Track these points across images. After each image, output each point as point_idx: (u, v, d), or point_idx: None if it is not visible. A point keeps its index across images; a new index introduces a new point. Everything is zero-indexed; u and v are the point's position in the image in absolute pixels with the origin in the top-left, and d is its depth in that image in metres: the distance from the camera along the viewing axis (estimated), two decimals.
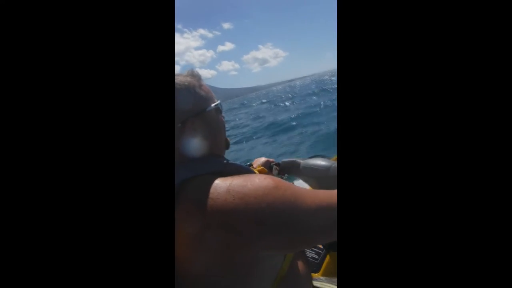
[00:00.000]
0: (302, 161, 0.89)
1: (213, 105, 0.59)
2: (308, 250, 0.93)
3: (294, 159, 0.92)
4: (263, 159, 0.99)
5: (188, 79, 0.57)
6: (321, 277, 0.80)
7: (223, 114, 0.63)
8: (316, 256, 0.91)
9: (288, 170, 0.92)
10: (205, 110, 0.57)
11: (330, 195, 0.45)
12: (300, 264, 0.57)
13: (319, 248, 0.94)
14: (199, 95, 0.57)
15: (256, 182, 0.45)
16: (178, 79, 0.56)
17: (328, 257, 0.92)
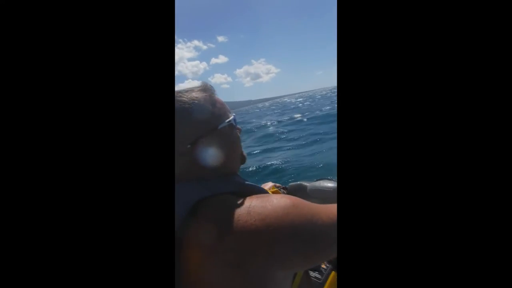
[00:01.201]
0: (309, 184, 0.89)
1: (226, 121, 0.56)
2: (311, 270, 0.93)
3: (300, 183, 0.92)
4: (270, 184, 1.00)
5: (200, 94, 0.55)
6: None
7: (238, 126, 0.60)
8: (319, 276, 0.89)
9: (295, 194, 0.91)
10: (216, 128, 0.54)
11: None
12: (305, 286, 0.58)
13: (323, 268, 0.93)
14: (210, 111, 0.54)
15: (274, 203, 0.45)
16: (187, 96, 0.53)
17: (331, 276, 0.91)
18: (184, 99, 0.53)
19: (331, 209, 0.48)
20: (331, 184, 0.81)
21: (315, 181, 0.90)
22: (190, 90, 0.56)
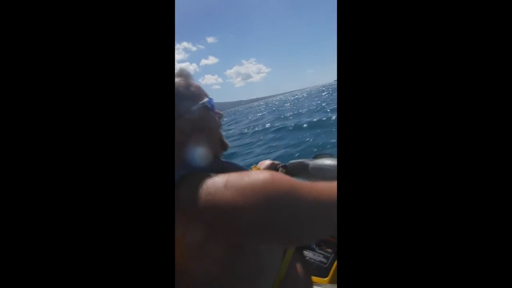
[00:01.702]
0: (310, 162, 0.83)
1: (200, 103, 0.57)
2: (316, 253, 0.88)
3: (302, 160, 0.86)
4: (268, 161, 0.95)
5: (176, 80, 0.56)
6: (327, 284, 0.76)
7: (217, 111, 0.60)
8: (325, 260, 0.85)
9: (296, 172, 0.87)
10: (189, 111, 0.55)
11: (329, 188, 0.45)
12: (298, 267, 0.57)
13: (328, 252, 0.88)
14: (185, 95, 0.55)
15: (253, 176, 0.44)
16: None
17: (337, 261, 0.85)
18: None
19: (317, 186, 0.45)
20: (333, 162, 0.76)
21: (315, 158, 0.84)
22: None
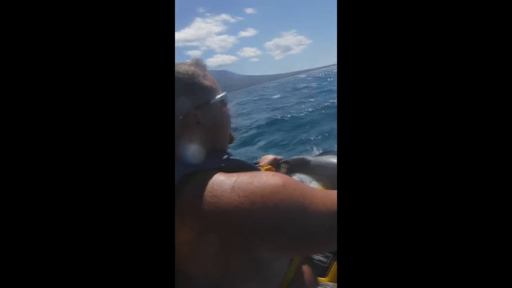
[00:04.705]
0: (312, 159, 0.84)
1: (218, 96, 0.55)
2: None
3: (303, 157, 0.87)
4: (270, 156, 0.94)
5: (192, 68, 0.54)
6: (328, 283, 0.76)
7: (228, 106, 0.60)
8: (324, 259, 0.86)
9: (297, 169, 0.87)
10: (209, 102, 0.54)
11: None
12: (306, 270, 0.55)
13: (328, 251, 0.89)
14: (203, 85, 0.54)
15: (263, 180, 0.41)
16: (182, 68, 0.53)
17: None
18: (178, 69, 0.52)
19: (330, 195, 0.42)
20: (334, 160, 0.76)
21: (318, 155, 0.85)
22: (183, 63, 0.55)
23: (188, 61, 0.57)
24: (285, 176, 0.44)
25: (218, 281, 0.43)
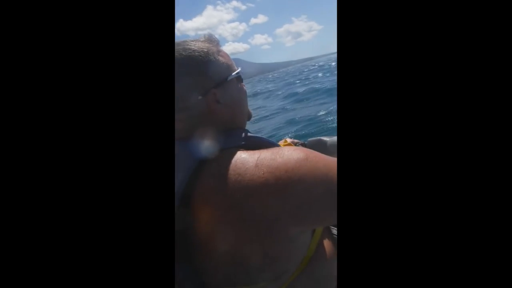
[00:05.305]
0: (329, 139, 0.83)
1: (234, 73, 0.54)
2: (333, 226, 0.88)
3: (320, 138, 0.86)
4: (288, 140, 0.94)
5: (206, 44, 0.52)
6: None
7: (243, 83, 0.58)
8: None
9: (315, 150, 0.83)
10: (226, 80, 0.52)
11: None
12: (327, 243, 0.55)
13: None
14: (219, 62, 0.52)
15: (285, 155, 0.42)
16: (196, 46, 0.50)
17: None
18: (193, 47, 0.50)
19: None
20: None
21: (335, 136, 0.83)
22: (196, 40, 0.53)
23: (201, 37, 0.54)
24: (306, 149, 0.44)
25: (244, 258, 0.44)
